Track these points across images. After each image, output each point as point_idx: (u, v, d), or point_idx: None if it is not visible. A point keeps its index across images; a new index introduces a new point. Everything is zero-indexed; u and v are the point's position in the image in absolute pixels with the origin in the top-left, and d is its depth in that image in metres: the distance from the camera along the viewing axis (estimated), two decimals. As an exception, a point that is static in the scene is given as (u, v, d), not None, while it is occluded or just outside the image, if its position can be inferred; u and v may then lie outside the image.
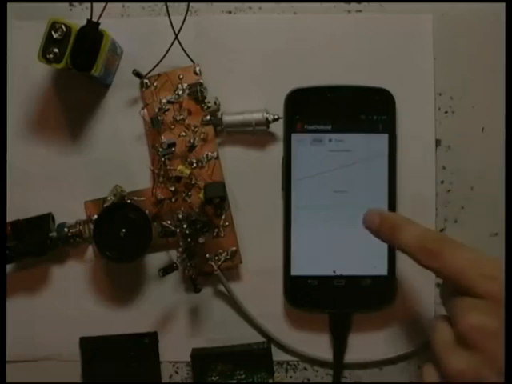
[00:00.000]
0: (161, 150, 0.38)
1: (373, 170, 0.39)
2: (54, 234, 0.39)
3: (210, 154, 0.39)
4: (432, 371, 0.28)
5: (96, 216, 0.37)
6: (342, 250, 0.39)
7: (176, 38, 0.38)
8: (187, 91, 0.39)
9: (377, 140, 0.39)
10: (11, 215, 0.39)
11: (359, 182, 0.39)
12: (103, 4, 0.35)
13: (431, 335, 0.28)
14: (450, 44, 0.40)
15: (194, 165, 0.39)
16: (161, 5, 0.40)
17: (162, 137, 0.39)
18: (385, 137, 0.39)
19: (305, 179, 0.39)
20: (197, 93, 0.39)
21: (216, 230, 0.39)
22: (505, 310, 0.25)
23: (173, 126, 0.39)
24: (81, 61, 0.35)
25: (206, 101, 0.39)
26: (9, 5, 0.39)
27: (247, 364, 0.39)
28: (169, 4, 0.38)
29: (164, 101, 0.39)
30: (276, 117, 0.39)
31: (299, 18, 0.40)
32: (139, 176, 0.40)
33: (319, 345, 0.40)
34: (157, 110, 0.39)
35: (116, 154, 0.40)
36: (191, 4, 0.39)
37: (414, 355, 0.40)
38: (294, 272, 0.39)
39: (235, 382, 0.39)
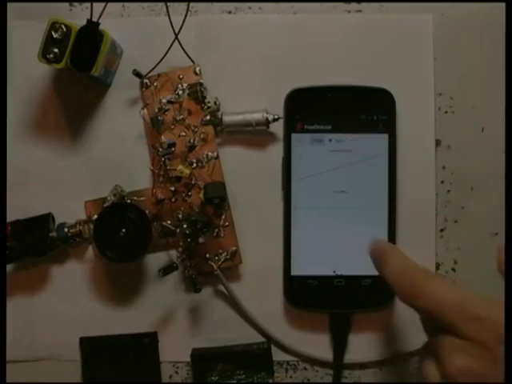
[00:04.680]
0: (161, 150, 0.38)
1: (373, 170, 0.39)
2: (53, 233, 0.38)
3: (210, 154, 0.39)
4: None
5: (96, 216, 0.37)
6: (342, 249, 0.39)
7: (176, 38, 0.38)
8: (187, 91, 0.39)
9: (377, 140, 0.39)
10: (11, 215, 0.39)
11: (359, 182, 0.39)
12: (103, 4, 0.35)
13: (421, 371, 0.28)
14: (449, 44, 0.40)
15: (194, 165, 0.39)
16: (161, 5, 0.40)
17: (162, 137, 0.39)
18: (385, 137, 0.39)
19: (305, 179, 0.39)
20: (197, 93, 0.39)
21: (216, 230, 0.39)
22: (505, 310, 0.25)
23: (173, 126, 0.39)
24: (81, 61, 0.35)
25: (206, 101, 0.39)
26: (9, 5, 0.39)
27: (247, 364, 0.39)
28: (169, 4, 0.38)
29: (164, 101, 0.39)
30: (276, 117, 0.39)
31: (299, 18, 0.40)
32: (139, 176, 0.40)
33: (319, 345, 0.40)
34: (157, 110, 0.39)
35: (116, 154, 0.40)
36: (191, 4, 0.39)
37: (414, 355, 0.40)
38: (294, 272, 0.39)
39: (235, 382, 0.39)
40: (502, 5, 0.38)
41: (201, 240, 0.37)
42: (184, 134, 0.39)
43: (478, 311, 0.25)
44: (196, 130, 0.39)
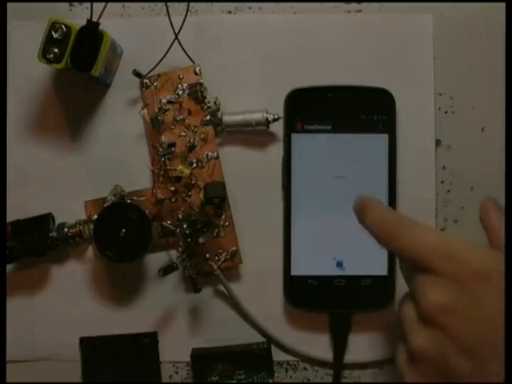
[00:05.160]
0: (161, 150, 0.38)
1: (373, 170, 0.39)
2: (53, 233, 0.38)
3: (210, 154, 0.39)
4: (402, 348, 0.28)
5: (96, 216, 0.37)
6: (341, 250, 0.39)
7: (176, 38, 0.38)
8: (187, 91, 0.39)
9: (377, 140, 0.39)
10: (11, 215, 0.39)
11: (359, 182, 0.39)
12: (103, 4, 0.35)
13: (398, 313, 0.28)
14: (449, 44, 0.40)
15: (194, 165, 0.39)
16: (161, 5, 0.40)
17: (162, 137, 0.39)
18: (385, 137, 0.39)
19: (305, 179, 0.39)
20: (197, 93, 0.39)
21: (216, 230, 0.39)
22: (505, 311, 0.25)
23: (173, 126, 0.39)
24: (81, 61, 0.35)
25: (206, 101, 0.39)
26: (9, 5, 0.39)
27: (247, 364, 0.39)
28: (169, 4, 0.38)
29: (164, 101, 0.39)
30: (276, 117, 0.39)
31: (299, 18, 0.40)
32: (139, 176, 0.40)
33: (319, 345, 0.40)
34: (157, 110, 0.39)
35: (116, 154, 0.40)
36: (191, 4, 0.39)
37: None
38: (294, 272, 0.39)
39: (235, 382, 0.39)
40: (502, 5, 0.38)
41: (201, 240, 0.37)
42: (184, 133, 0.39)
43: (450, 249, 0.26)
44: (196, 129, 0.39)
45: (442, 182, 0.40)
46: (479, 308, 0.25)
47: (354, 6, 0.40)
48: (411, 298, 0.28)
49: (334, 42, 0.40)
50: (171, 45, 0.38)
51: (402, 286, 0.39)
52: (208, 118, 0.39)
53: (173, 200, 0.39)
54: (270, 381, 0.39)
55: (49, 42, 0.35)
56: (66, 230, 0.39)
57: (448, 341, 0.25)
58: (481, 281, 0.25)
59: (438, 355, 0.25)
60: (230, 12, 0.40)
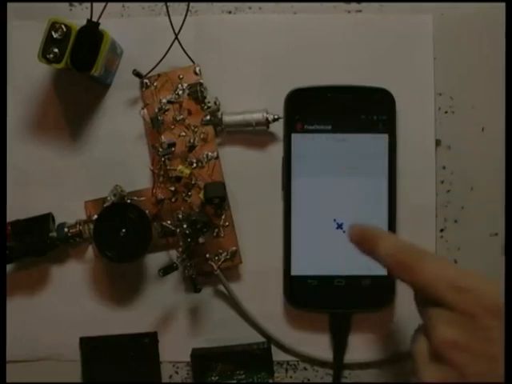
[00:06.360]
0: (161, 150, 0.38)
1: (373, 170, 0.39)
2: (53, 233, 0.38)
3: (210, 154, 0.39)
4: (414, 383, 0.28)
5: (96, 216, 0.37)
6: (341, 250, 0.39)
7: (176, 38, 0.38)
8: (187, 91, 0.39)
9: (377, 140, 0.39)
10: (11, 215, 0.39)
11: (359, 182, 0.39)
12: (103, 4, 0.35)
13: (411, 346, 0.28)
14: (449, 44, 0.40)
15: (194, 165, 0.39)
16: (161, 5, 0.40)
17: (162, 137, 0.39)
18: (385, 137, 0.39)
19: (305, 179, 0.39)
20: (197, 93, 0.39)
21: (216, 230, 0.39)
22: (505, 313, 0.25)
23: (173, 126, 0.39)
24: (81, 61, 0.35)
25: (206, 101, 0.39)
26: (9, 5, 0.39)
27: (247, 364, 0.39)
28: (169, 4, 0.38)
29: (164, 101, 0.39)
30: (276, 117, 0.39)
31: (299, 18, 0.40)
32: (139, 176, 0.40)
33: (319, 345, 0.40)
34: (157, 110, 0.39)
35: (116, 154, 0.40)
36: (191, 4, 0.39)
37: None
38: (294, 272, 0.39)
39: (235, 382, 0.39)
40: (502, 5, 0.38)
41: (201, 240, 0.37)
42: (184, 134, 0.39)
43: (467, 283, 0.26)
44: (196, 129, 0.39)
45: (442, 182, 0.40)
46: (492, 346, 0.24)
47: (353, 5, 0.40)
48: (423, 332, 0.27)
49: (334, 41, 0.40)
50: (171, 45, 0.38)
51: (402, 286, 0.39)
52: (208, 118, 0.39)
53: (173, 200, 0.39)
54: (270, 381, 0.39)
55: (49, 42, 0.35)
56: (65, 230, 0.39)
57: (458, 377, 0.25)
58: (494, 317, 0.24)
59: None
60: (230, 12, 0.40)
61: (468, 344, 0.25)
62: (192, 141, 0.39)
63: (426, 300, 0.28)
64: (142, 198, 0.39)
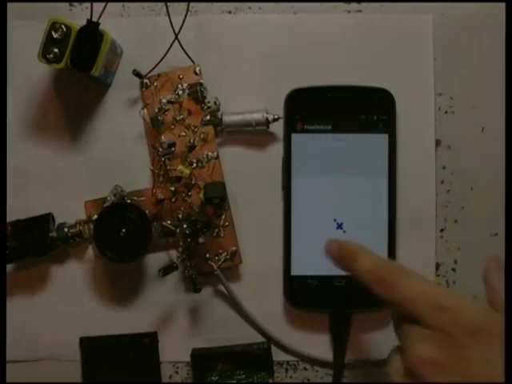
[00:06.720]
0: (161, 150, 0.38)
1: (373, 170, 0.39)
2: (53, 233, 0.39)
3: (210, 154, 0.39)
4: None
5: (96, 216, 0.37)
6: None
7: (176, 38, 0.38)
8: (187, 91, 0.39)
9: (377, 140, 0.39)
10: (11, 215, 0.39)
11: (359, 182, 0.39)
12: (103, 4, 0.35)
13: (387, 367, 0.28)
14: (450, 44, 0.40)
15: (194, 165, 0.39)
16: (161, 5, 0.40)
17: (162, 137, 0.39)
18: (385, 137, 0.39)
19: (305, 179, 0.39)
20: (197, 93, 0.39)
21: (216, 230, 0.39)
22: (505, 318, 0.25)
23: (173, 126, 0.39)
24: (81, 61, 0.35)
25: (206, 101, 0.39)
26: (9, 5, 0.39)
27: (247, 364, 0.39)
28: (169, 4, 0.38)
29: (164, 101, 0.39)
30: (276, 117, 0.39)
31: (299, 18, 0.40)
32: (139, 176, 0.40)
33: (319, 345, 0.40)
34: (157, 110, 0.39)
35: (116, 154, 0.40)
36: (191, 4, 0.39)
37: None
38: (294, 272, 0.39)
39: (235, 382, 0.39)
40: (502, 5, 0.38)
41: (201, 240, 0.37)
42: (184, 133, 0.39)
43: (444, 301, 0.26)
44: (196, 129, 0.39)
45: (442, 182, 0.40)
46: (467, 364, 0.24)
47: (353, 6, 0.40)
48: (399, 352, 0.27)
49: (334, 41, 0.40)
50: (171, 45, 0.38)
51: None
52: (208, 118, 0.39)
53: (173, 200, 0.39)
54: (270, 381, 0.39)
55: (49, 42, 0.35)
56: (65, 230, 0.39)
57: None
58: (471, 336, 0.24)
59: None
60: (230, 12, 0.40)
61: (443, 361, 0.25)
62: (192, 141, 0.39)
63: (403, 318, 0.27)
64: (142, 198, 0.39)
